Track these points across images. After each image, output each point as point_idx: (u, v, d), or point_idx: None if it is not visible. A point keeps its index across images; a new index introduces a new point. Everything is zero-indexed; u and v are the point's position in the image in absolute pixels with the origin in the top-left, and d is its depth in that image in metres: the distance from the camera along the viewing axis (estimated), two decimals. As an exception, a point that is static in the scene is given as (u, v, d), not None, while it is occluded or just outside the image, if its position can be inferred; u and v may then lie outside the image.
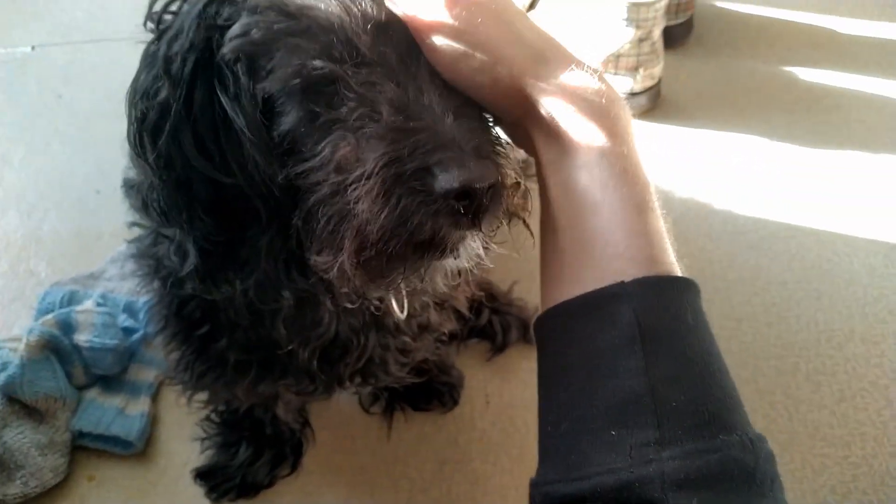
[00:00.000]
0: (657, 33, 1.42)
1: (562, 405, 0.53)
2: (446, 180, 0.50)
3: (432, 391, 1.11)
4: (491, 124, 0.59)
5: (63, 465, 1.03)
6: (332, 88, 0.54)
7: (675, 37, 1.54)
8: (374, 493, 1.02)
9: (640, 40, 1.40)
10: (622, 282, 0.51)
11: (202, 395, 0.95)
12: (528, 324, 1.16)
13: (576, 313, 0.53)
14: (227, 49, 0.55)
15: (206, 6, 0.56)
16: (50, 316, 1.11)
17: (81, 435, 1.06)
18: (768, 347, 1.14)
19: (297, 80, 0.54)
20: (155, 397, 1.12)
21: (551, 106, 0.54)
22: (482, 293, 1.12)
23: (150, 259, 0.77)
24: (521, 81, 0.54)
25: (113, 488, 1.04)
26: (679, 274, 0.52)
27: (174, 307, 0.78)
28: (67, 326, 1.10)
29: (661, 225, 0.54)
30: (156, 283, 0.78)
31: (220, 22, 0.55)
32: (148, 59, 0.58)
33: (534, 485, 0.51)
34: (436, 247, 0.54)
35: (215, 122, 0.56)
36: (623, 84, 1.45)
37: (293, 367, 0.78)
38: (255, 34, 0.54)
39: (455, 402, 1.11)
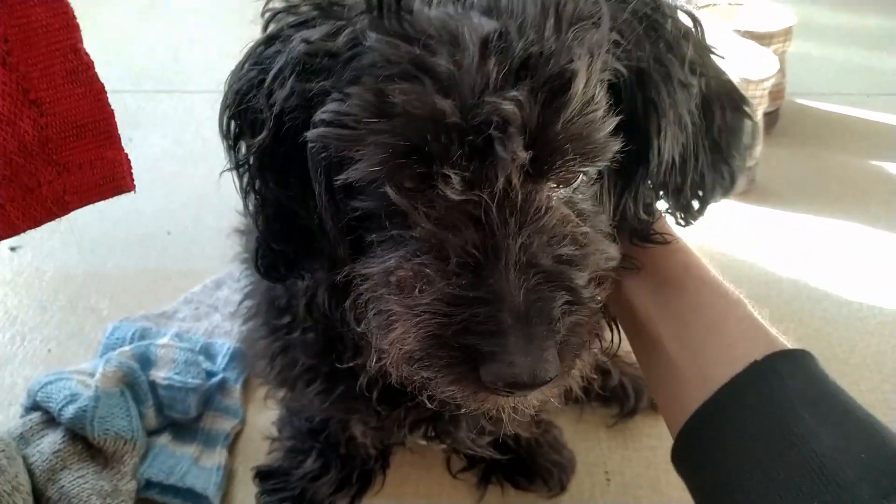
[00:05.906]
0: (760, 113, 1.39)
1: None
2: (491, 375, 0.47)
3: (537, 469, 0.97)
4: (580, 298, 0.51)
5: (125, 519, 0.89)
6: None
7: (763, 125, 1.51)
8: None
9: (744, 118, 1.37)
10: (755, 361, 0.51)
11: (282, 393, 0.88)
12: None
13: (719, 409, 0.53)
14: (311, 134, 0.50)
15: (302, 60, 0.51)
16: (127, 348, 1.00)
17: (149, 485, 0.92)
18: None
19: (380, 176, 0.50)
20: (231, 450, 1.00)
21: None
22: (606, 359, 1.01)
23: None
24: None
25: (179, 550, 0.90)
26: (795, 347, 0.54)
27: (267, 295, 0.77)
28: (146, 361, 0.99)
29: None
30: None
31: (313, 89, 0.51)
32: (252, 58, 0.55)
33: None
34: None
35: (299, 157, 0.54)
36: (722, 162, 1.41)
37: (354, 391, 0.71)
38: (341, 131, 0.48)
39: (562, 488, 0.96)
